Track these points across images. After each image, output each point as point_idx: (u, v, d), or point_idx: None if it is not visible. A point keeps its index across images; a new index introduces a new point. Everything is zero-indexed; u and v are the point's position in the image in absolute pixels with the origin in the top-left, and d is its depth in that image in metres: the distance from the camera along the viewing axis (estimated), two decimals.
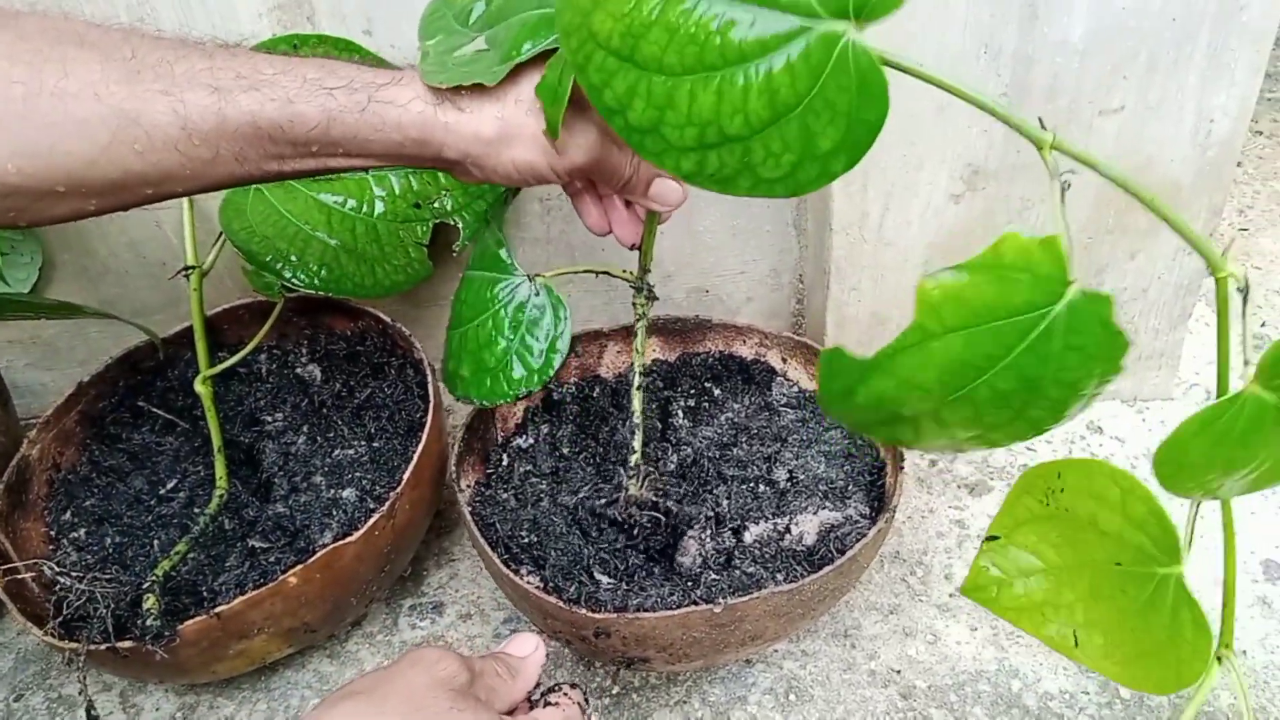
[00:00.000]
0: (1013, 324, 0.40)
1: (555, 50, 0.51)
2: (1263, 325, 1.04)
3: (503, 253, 0.69)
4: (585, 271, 0.71)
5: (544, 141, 0.52)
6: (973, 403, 0.42)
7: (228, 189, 0.52)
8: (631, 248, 0.64)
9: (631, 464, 0.73)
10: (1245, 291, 0.41)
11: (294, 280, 0.79)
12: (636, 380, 0.71)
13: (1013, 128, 0.41)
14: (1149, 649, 0.50)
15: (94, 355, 0.99)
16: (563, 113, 0.49)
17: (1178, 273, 0.88)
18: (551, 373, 0.69)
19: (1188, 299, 0.91)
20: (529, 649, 0.57)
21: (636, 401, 0.71)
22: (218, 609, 0.65)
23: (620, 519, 0.74)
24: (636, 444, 0.72)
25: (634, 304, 0.69)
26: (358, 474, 0.80)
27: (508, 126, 0.52)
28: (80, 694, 0.70)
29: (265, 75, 0.50)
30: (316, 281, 0.79)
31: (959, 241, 0.85)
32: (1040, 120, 0.41)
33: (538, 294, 0.68)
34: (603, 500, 0.76)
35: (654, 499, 0.74)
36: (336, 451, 0.82)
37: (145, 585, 0.69)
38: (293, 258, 0.79)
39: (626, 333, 0.90)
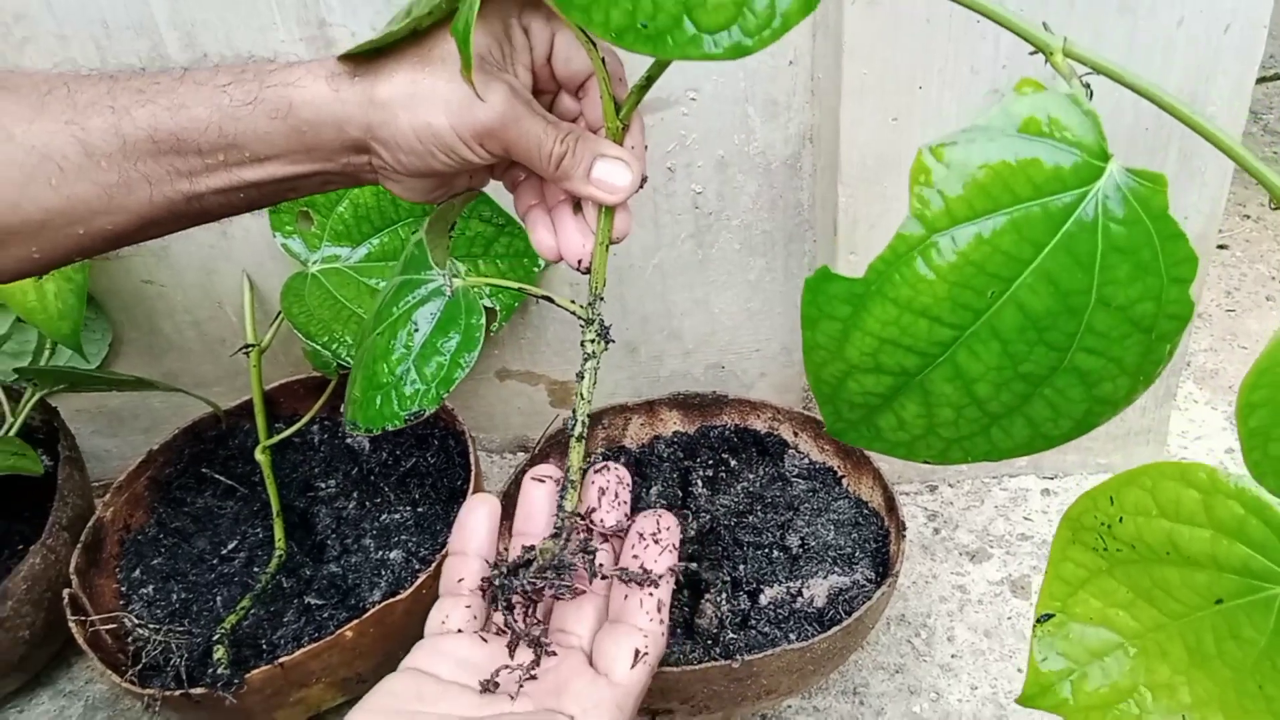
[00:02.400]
0: (1041, 209, 0.31)
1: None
2: None
3: (417, 250, 0.58)
4: (523, 291, 0.60)
5: (448, 100, 0.49)
6: (999, 338, 0.32)
7: (162, 231, 0.52)
8: (582, 269, 0.55)
9: (565, 512, 0.57)
10: None
11: (347, 359, 0.86)
12: (578, 430, 0.57)
13: (1019, 35, 0.36)
14: None
15: (155, 424, 1.07)
16: (472, 43, 0.45)
17: None
18: (450, 389, 0.55)
19: (1172, 379, 0.97)
20: None
21: (574, 456, 0.57)
22: (281, 659, 0.71)
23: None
24: (568, 505, 0.56)
25: (582, 344, 0.56)
26: (403, 537, 0.87)
27: (402, 88, 0.49)
28: None
29: (163, 85, 0.49)
30: None
31: None
32: (1045, 24, 0.36)
33: (452, 297, 0.57)
34: None
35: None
36: (384, 516, 0.89)
37: (215, 637, 0.76)
38: (347, 339, 0.87)
39: (650, 406, 0.97)
